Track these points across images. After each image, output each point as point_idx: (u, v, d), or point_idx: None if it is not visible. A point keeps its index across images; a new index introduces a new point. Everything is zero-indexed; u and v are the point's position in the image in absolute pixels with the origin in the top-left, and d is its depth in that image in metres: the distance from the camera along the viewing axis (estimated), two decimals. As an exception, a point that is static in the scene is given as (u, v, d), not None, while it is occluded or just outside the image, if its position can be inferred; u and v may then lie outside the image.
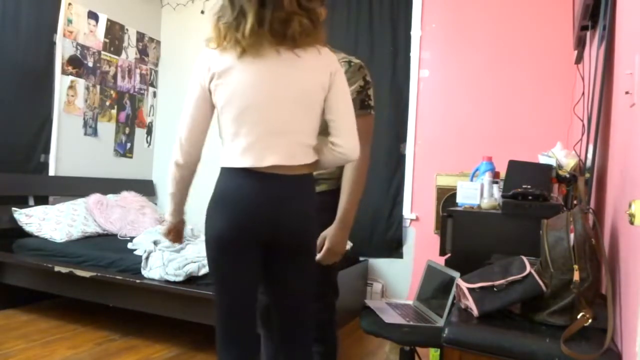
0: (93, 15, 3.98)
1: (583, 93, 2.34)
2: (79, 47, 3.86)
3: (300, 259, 1.46)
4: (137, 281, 2.78)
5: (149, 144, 4.64)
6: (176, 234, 1.61)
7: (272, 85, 1.34)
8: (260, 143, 1.35)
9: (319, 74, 1.39)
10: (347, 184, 1.67)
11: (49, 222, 3.31)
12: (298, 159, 1.38)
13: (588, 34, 2.34)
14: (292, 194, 1.39)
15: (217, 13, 1.37)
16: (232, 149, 1.38)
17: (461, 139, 3.57)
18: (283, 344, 1.53)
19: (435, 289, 2.04)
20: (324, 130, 1.45)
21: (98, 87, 4.04)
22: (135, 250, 3.05)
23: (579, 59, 2.75)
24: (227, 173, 1.39)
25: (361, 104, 1.68)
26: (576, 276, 1.16)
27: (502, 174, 1.98)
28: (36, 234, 3.27)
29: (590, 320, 1.15)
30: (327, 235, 1.65)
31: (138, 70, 4.46)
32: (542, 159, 2.07)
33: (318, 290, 1.64)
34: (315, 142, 1.44)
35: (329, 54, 1.44)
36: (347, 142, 1.42)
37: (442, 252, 1.97)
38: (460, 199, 2.05)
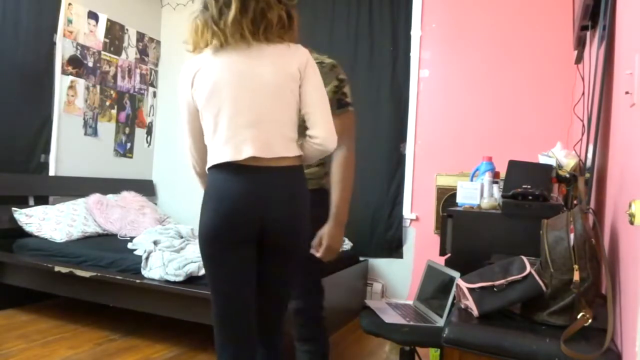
0: (93, 15, 3.98)
1: (583, 93, 2.34)
2: (79, 47, 3.86)
3: (286, 256, 1.47)
4: (137, 281, 2.78)
5: (149, 144, 4.64)
6: None
7: (245, 77, 1.38)
8: (238, 136, 1.37)
9: (287, 66, 1.40)
10: (336, 182, 1.69)
11: (49, 222, 3.31)
12: (276, 150, 1.38)
13: (588, 34, 2.34)
14: (277, 187, 1.39)
15: (194, 13, 1.43)
16: (213, 145, 1.41)
17: (461, 139, 3.57)
18: (260, 341, 1.54)
19: (435, 289, 2.04)
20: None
21: (98, 87, 4.04)
22: (135, 250, 3.05)
23: (579, 59, 2.75)
24: (212, 171, 1.42)
25: (338, 103, 1.72)
26: (576, 276, 1.16)
27: (502, 174, 1.98)
28: (36, 234, 3.27)
29: (590, 320, 1.15)
30: (324, 233, 1.67)
31: (138, 70, 4.46)
32: (542, 159, 2.07)
33: (302, 289, 1.66)
34: (296, 135, 1.45)
35: (298, 48, 1.46)
36: (322, 133, 1.43)
37: (442, 252, 1.97)
38: (460, 199, 2.05)
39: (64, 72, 3.73)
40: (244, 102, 1.37)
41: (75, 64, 3.83)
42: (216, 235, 1.37)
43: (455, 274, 1.85)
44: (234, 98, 1.37)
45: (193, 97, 1.42)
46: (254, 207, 1.37)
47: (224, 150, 1.37)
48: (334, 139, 1.46)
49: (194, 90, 1.41)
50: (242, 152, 1.36)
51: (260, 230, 1.39)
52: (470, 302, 1.26)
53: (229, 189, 1.36)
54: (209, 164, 1.42)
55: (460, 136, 3.58)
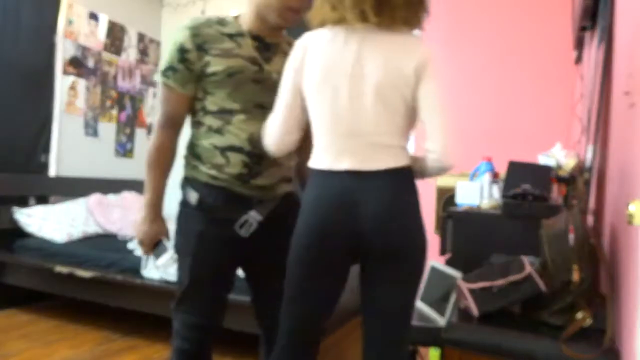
0: (94, 16, 3.98)
1: (582, 93, 2.34)
2: (79, 48, 3.86)
3: (394, 270, 1.25)
4: (137, 281, 2.78)
5: (150, 144, 4.64)
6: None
7: (350, 80, 1.23)
8: (337, 144, 1.24)
9: (402, 66, 1.24)
10: None
11: (50, 222, 3.31)
12: (378, 164, 1.22)
13: (588, 34, 2.34)
14: (377, 192, 1.22)
15: None
16: (315, 147, 1.29)
17: (461, 139, 3.55)
18: None
19: (436, 289, 2.04)
20: None
21: (99, 87, 4.05)
22: (135, 250, 3.05)
23: (579, 59, 2.75)
24: (311, 173, 1.30)
25: None
26: (576, 276, 1.16)
27: (502, 174, 1.98)
28: (37, 234, 3.27)
29: (589, 320, 1.15)
30: None
31: (138, 71, 4.47)
32: (542, 159, 2.07)
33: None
34: (404, 142, 1.28)
35: (417, 42, 1.32)
36: (439, 147, 1.25)
37: (442, 252, 1.97)
38: (460, 199, 2.05)
39: (64, 73, 3.73)
40: (345, 109, 1.22)
41: (76, 64, 3.83)
42: (303, 247, 1.26)
43: (457, 274, 1.85)
44: (334, 103, 1.23)
45: (301, 79, 1.28)
46: (346, 220, 1.21)
47: (324, 156, 1.26)
48: (452, 153, 1.27)
49: (304, 74, 1.27)
50: (341, 163, 1.23)
51: (355, 242, 1.23)
52: (470, 302, 1.27)
53: (323, 198, 1.24)
54: (311, 164, 1.30)
55: (460, 136, 3.55)
